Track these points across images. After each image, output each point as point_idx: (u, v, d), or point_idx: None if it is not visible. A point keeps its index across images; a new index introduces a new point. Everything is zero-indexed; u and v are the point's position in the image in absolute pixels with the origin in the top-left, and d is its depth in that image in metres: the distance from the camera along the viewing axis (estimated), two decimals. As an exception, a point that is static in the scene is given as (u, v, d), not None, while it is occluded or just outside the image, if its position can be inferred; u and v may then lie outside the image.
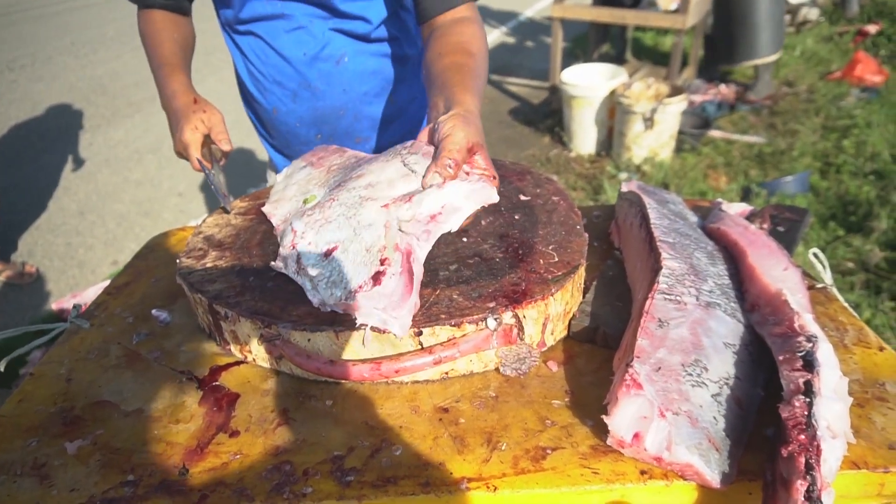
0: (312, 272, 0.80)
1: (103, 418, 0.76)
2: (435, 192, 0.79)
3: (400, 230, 0.77)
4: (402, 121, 1.42)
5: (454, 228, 0.80)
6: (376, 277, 0.74)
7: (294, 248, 0.83)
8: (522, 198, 1.04)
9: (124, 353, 0.88)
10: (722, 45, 4.48)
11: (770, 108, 4.49)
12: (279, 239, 0.91)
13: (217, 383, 0.81)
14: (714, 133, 4.06)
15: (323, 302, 0.78)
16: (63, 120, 5.10)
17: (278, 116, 1.35)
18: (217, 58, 5.57)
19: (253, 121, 1.46)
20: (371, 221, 0.80)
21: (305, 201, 0.96)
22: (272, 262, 0.86)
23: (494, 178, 0.83)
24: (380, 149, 1.42)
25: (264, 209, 1.02)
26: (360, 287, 0.74)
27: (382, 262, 0.75)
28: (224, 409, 0.77)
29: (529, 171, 1.14)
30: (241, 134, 3.13)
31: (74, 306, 0.96)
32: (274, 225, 0.98)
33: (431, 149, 0.87)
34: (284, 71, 1.27)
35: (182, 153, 1.20)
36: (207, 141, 1.19)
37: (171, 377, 0.82)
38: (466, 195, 0.80)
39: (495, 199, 0.82)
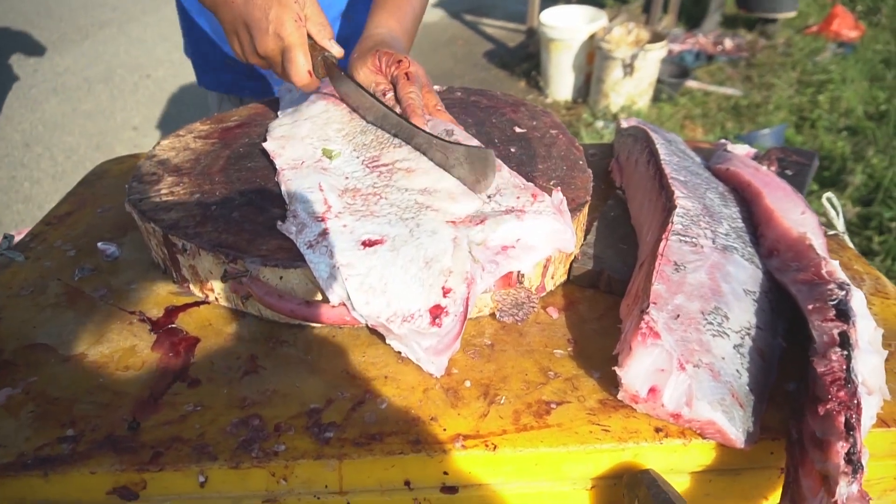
0: (341, 259, 0.64)
1: (38, 363, 0.66)
2: (513, 222, 0.67)
3: (470, 253, 0.65)
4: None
5: (524, 270, 0.69)
6: (435, 313, 0.61)
7: (323, 221, 0.68)
8: (518, 130, 0.94)
9: (64, 290, 0.76)
10: None
11: (747, 61, 4.43)
12: (286, 192, 0.75)
13: (173, 325, 0.71)
14: (691, 83, 3.99)
15: (347, 302, 0.64)
16: (4, 44, 4.72)
17: None
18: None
19: (203, 30, 1.29)
20: (434, 230, 0.67)
21: (325, 152, 0.81)
22: (278, 224, 0.70)
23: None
24: None
25: (266, 146, 0.84)
26: (412, 316, 0.61)
27: (445, 294, 0.62)
28: (182, 354, 0.67)
29: (523, 103, 1.04)
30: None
31: (5, 236, 0.83)
32: (277, 167, 0.80)
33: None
34: None
35: (272, 59, 0.86)
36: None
37: (120, 318, 0.72)
38: (546, 236, 0.69)
39: (571, 248, 0.71)
